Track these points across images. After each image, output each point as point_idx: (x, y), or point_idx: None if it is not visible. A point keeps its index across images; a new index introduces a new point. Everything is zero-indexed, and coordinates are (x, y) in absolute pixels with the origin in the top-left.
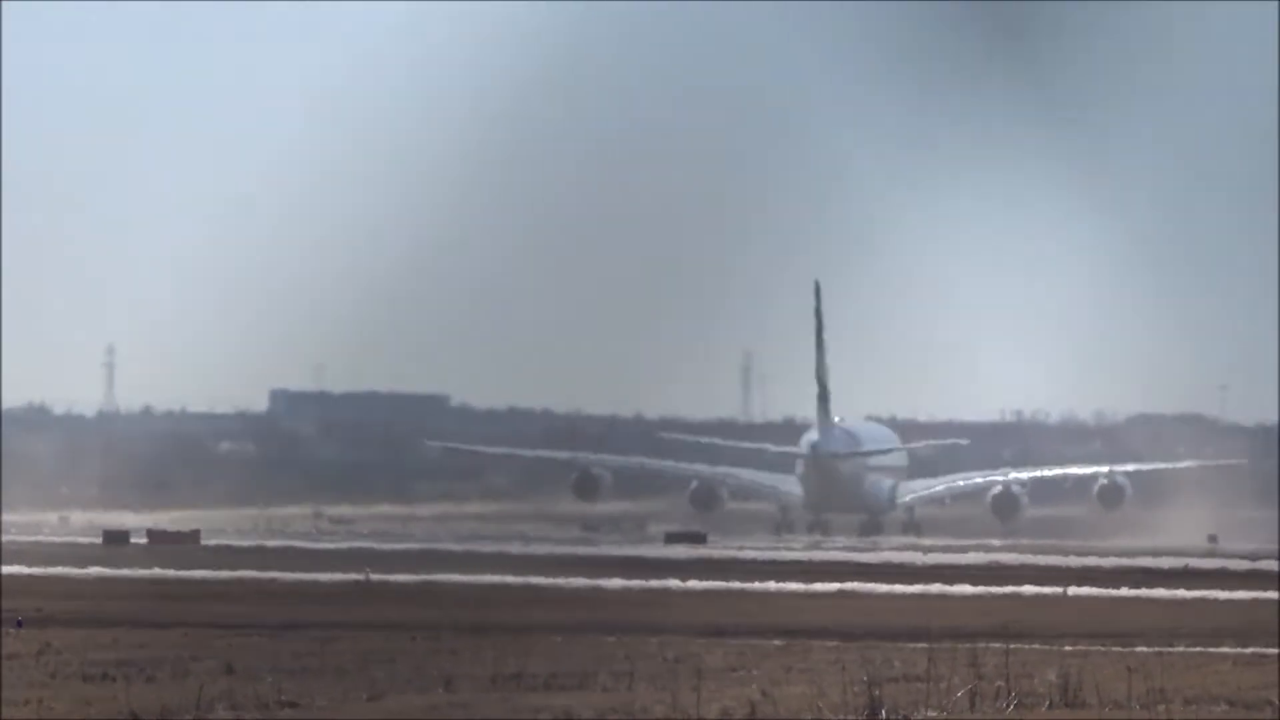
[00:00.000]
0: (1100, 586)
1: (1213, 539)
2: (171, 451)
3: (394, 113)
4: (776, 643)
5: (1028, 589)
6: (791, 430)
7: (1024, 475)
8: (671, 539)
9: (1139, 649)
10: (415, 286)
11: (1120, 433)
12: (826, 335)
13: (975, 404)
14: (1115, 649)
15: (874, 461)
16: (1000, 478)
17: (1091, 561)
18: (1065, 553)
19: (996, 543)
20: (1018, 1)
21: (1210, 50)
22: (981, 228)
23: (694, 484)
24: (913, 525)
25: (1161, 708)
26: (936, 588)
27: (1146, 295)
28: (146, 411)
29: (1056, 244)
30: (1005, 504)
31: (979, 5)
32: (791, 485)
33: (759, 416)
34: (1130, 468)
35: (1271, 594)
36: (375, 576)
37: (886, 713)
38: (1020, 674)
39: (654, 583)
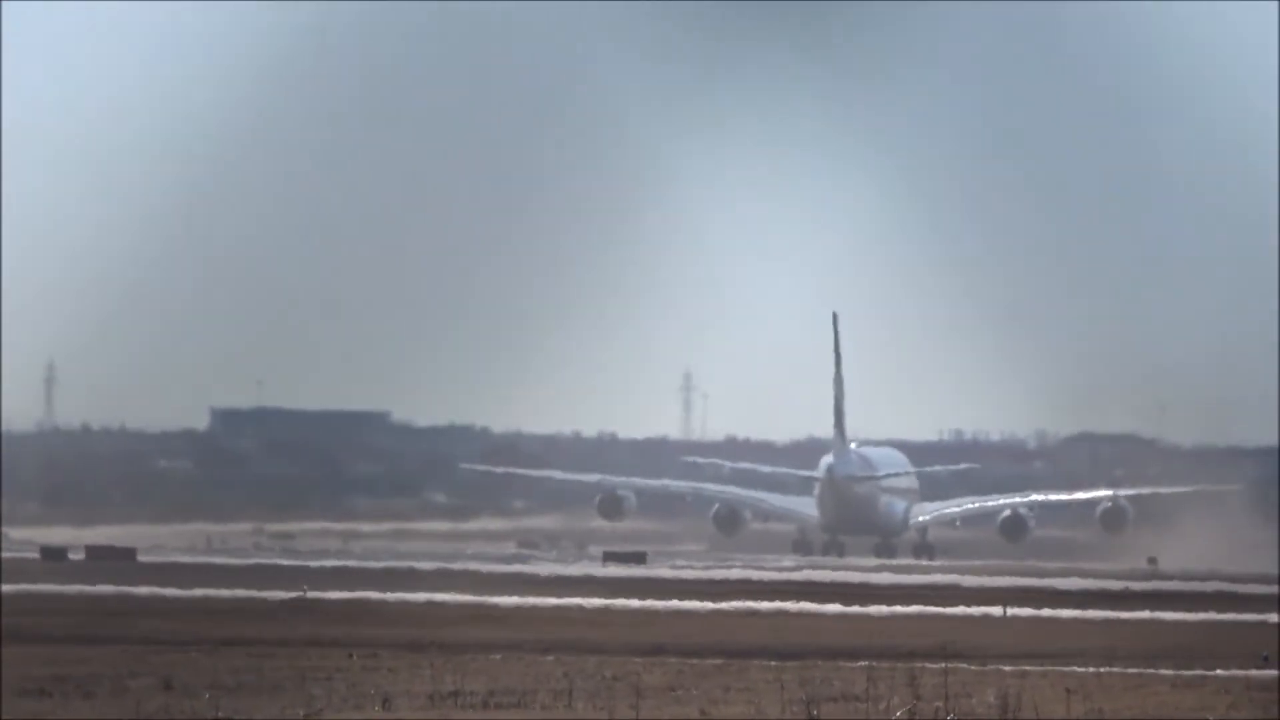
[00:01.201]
0: (1039, 607)
1: (1152, 561)
2: (111, 468)
3: (333, 131)
4: (715, 662)
5: (967, 609)
6: (733, 448)
7: (1032, 499)
8: (610, 558)
9: (1077, 669)
10: (355, 304)
11: (1060, 453)
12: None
13: (917, 423)
14: (1054, 669)
15: (887, 484)
16: (1009, 501)
17: (1033, 582)
18: (1007, 573)
19: (957, 562)
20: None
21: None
22: (924, 248)
23: (716, 506)
24: (925, 546)
25: None
26: (876, 608)
27: (1086, 317)
28: (86, 429)
29: (998, 262)
30: (1014, 526)
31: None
32: (809, 507)
33: (698, 434)
34: (1131, 492)
35: (1210, 615)
36: (313, 593)
37: None
38: (959, 694)
39: (594, 601)
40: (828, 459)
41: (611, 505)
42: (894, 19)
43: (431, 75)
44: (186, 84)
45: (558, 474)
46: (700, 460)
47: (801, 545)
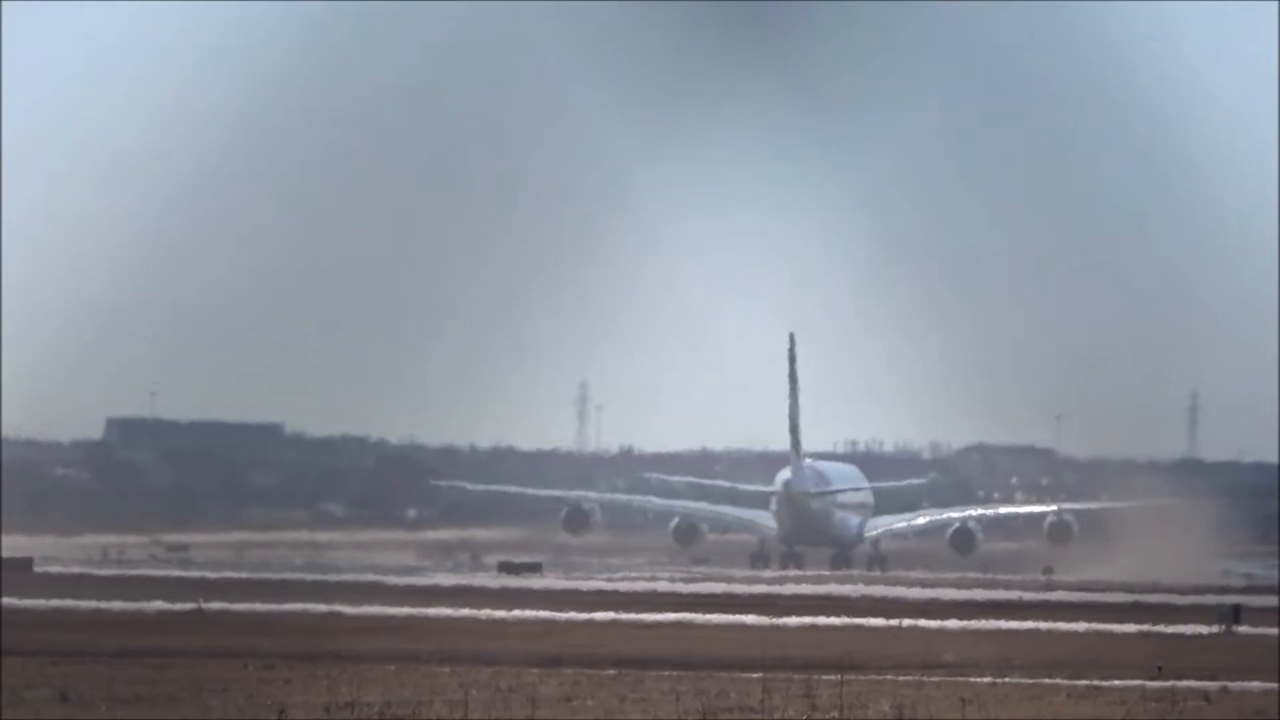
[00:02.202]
0: (935, 619)
1: (1048, 571)
2: (5, 479)
3: (226, 142)
4: (610, 672)
5: (863, 621)
6: (629, 460)
7: (980, 513)
8: (505, 568)
9: (973, 680)
10: (250, 316)
11: (954, 463)
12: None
13: (814, 434)
14: (949, 679)
15: (842, 499)
16: (959, 515)
17: (931, 594)
18: (909, 584)
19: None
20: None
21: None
22: (819, 258)
23: (676, 520)
24: (878, 558)
25: None
26: (774, 620)
27: (983, 327)
28: None
29: (894, 272)
30: (963, 539)
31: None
32: (766, 520)
33: (593, 446)
34: (1078, 506)
35: (1109, 626)
36: (209, 605)
37: None
38: (854, 704)
39: (491, 613)
40: (785, 474)
41: (577, 519)
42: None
43: (342, 78)
44: (75, 85)
45: (531, 491)
46: (664, 477)
47: (760, 557)
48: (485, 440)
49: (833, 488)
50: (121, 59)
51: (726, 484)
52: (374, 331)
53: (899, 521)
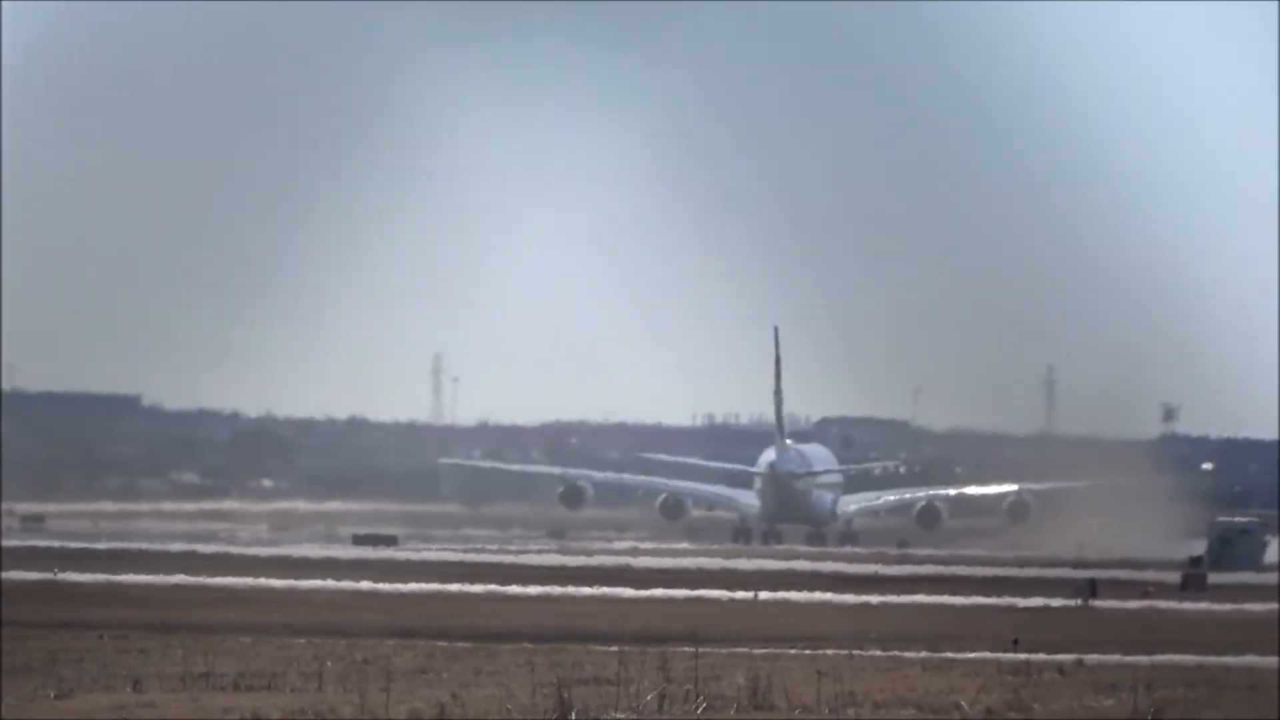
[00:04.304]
0: (791, 590)
1: (903, 544)
2: None
3: (68, 110)
4: (465, 645)
5: (719, 593)
6: (485, 433)
7: (946, 492)
8: (360, 541)
9: (828, 652)
10: (106, 287)
11: (811, 436)
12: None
13: (670, 407)
14: (805, 652)
15: (819, 479)
16: (926, 494)
17: (787, 566)
18: (758, 555)
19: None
20: None
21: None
22: (676, 229)
23: (663, 496)
24: (850, 535)
25: (851, 711)
26: (628, 592)
27: (837, 302)
28: None
29: (751, 245)
30: (928, 516)
31: None
32: (749, 499)
33: (449, 418)
34: (1036, 486)
35: (966, 600)
36: (64, 575)
37: (576, 714)
38: (709, 677)
39: (344, 584)
40: (769, 455)
41: (573, 495)
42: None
43: (153, 37)
44: None
45: (531, 468)
46: (659, 456)
47: (742, 534)
48: (341, 412)
49: (814, 469)
50: None
51: (714, 464)
52: (230, 304)
53: (870, 500)
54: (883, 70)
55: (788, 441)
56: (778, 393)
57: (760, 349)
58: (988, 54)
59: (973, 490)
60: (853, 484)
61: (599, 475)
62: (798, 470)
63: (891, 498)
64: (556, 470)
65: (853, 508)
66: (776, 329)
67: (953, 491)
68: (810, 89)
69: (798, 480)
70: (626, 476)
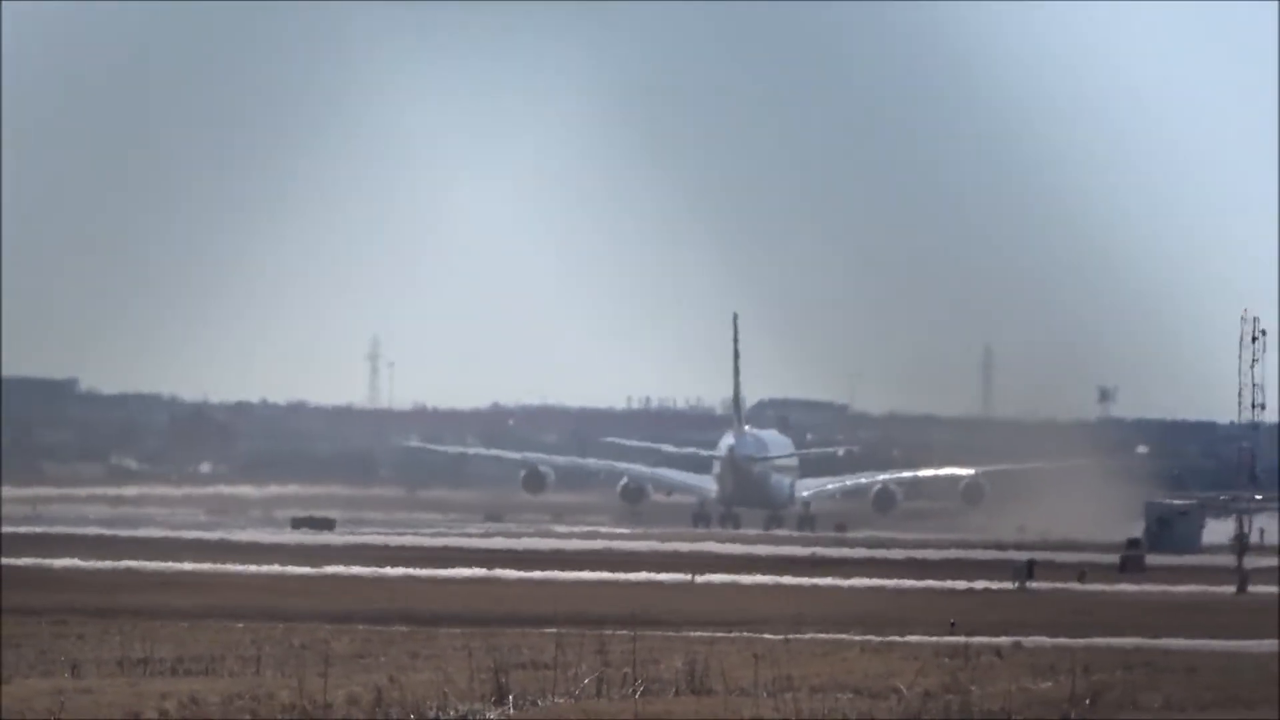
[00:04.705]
0: (728, 573)
1: (840, 528)
2: None
3: (8, 103)
4: (403, 629)
5: (656, 575)
6: (422, 416)
7: (901, 475)
8: (298, 524)
9: (766, 636)
10: (42, 271)
11: (749, 418)
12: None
13: (606, 391)
14: (743, 635)
15: (777, 464)
16: (882, 478)
17: (723, 549)
18: (700, 539)
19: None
20: None
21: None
22: (615, 211)
23: (624, 480)
24: (808, 519)
25: (789, 695)
26: (566, 574)
27: (775, 286)
28: None
29: (686, 229)
30: (884, 499)
31: None
32: (708, 483)
33: (386, 402)
34: (991, 468)
35: (896, 582)
36: (3, 560)
37: (514, 698)
38: (647, 660)
39: (282, 568)
40: (728, 440)
41: (534, 479)
42: None
43: (98, 24)
44: None
45: (501, 453)
46: (619, 440)
47: (701, 517)
48: (278, 396)
49: (771, 454)
50: None
51: (677, 450)
52: (167, 288)
53: (826, 484)
54: (828, 55)
55: (745, 427)
56: (736, 378)
57: (696, 332)
58: (929, 40)
59: (927, 474)
60: (809, 468)
61: (561, 460)
62: (756, 455)
63: (848, 482)
64: (516, 455)
65: (807, 492)
66: (735, 316)
67: (908, 474)
68: (753, 73)
69: (756, 464)
70: (593, 461)
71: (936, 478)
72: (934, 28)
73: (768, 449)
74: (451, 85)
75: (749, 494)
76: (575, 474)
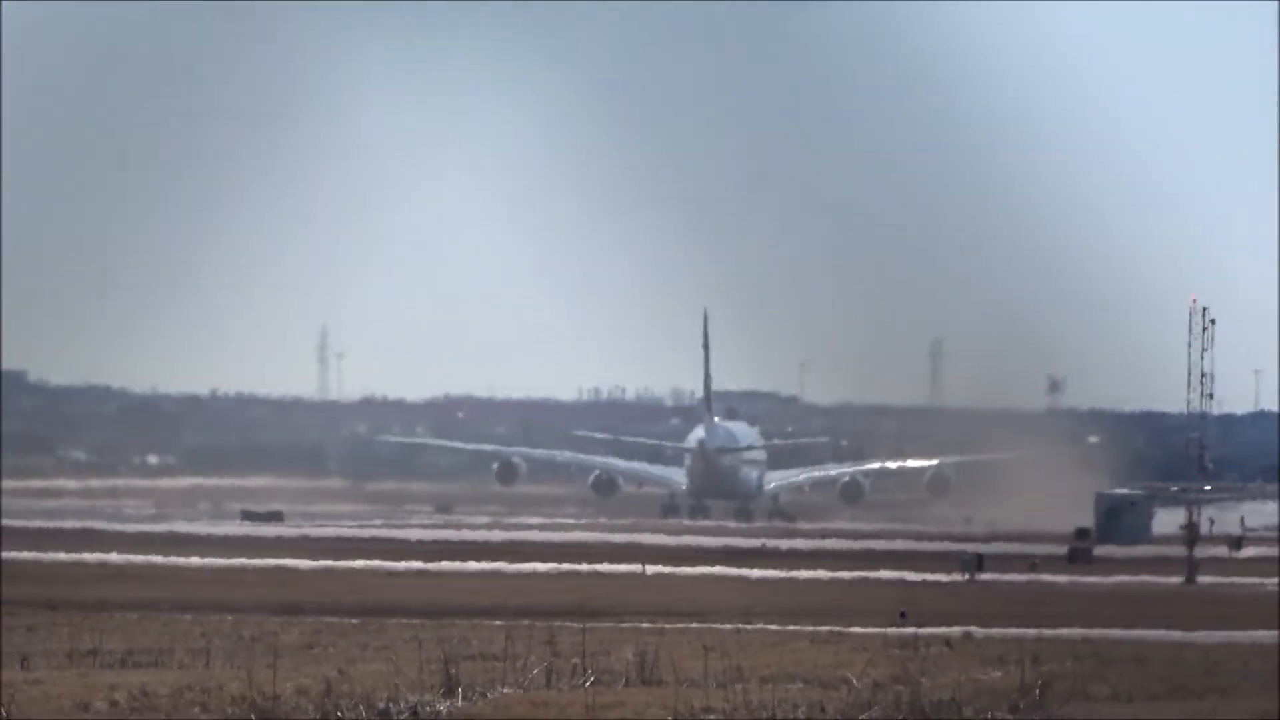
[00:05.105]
0: (678, 565)
1: (789, 518)
2: None
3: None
4: (353, 621)
5: (606, 567)
6: (371, 408)
7: (867, 467)
8: (247, 516)
9: (716, 626)
10: None
11: (697, 410)
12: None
13: (555, 381)
14: (693, 626)
15: (746, 456)
16: (849, 470)
17: (673, 540)
18: (653, 531)
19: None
20: None
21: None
22: (567, 205)
23: (596, 473)
24: (778, 510)
25: (739, 686)
26: (517, 566)
27: (723, 276)
28: None
29: (633, 220)
30: (851, 491)
31: None
32: (678, 475)
33: (335, 393)
34: (957, 459)
35: (846, 573)
36: None
37: (463, 689)
38: (597, 651)
39: (231, 560)
40: (698, 433)
41: (507, 471)
42: None
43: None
44: None
45: (475, 446)
46: (587, 434)
47: (670, 509)
48: (228, 388)
49: (741, 445)
50: None
51: (647, 441)
52: (116, 280)
53: (794, 475)
54: (784, 52)
55: (715, 419)
56: (706, 370)
57: (647, 324)
58: (885, 36)
59: (893, 465)
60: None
61: (536, 452)
62: (726, 446)
63: (816, 473)
64: (490, 448)
65: (773, 485)
66: (706, 311)
67: (875, 465)
68: (708, 70)
69: (726, 456)
70: (557, 454)
71: (903, 469)
72: (891, 25)
73: (738, 441)
74: (404, 79)
75: (718, 485)
76: (547, 466)
